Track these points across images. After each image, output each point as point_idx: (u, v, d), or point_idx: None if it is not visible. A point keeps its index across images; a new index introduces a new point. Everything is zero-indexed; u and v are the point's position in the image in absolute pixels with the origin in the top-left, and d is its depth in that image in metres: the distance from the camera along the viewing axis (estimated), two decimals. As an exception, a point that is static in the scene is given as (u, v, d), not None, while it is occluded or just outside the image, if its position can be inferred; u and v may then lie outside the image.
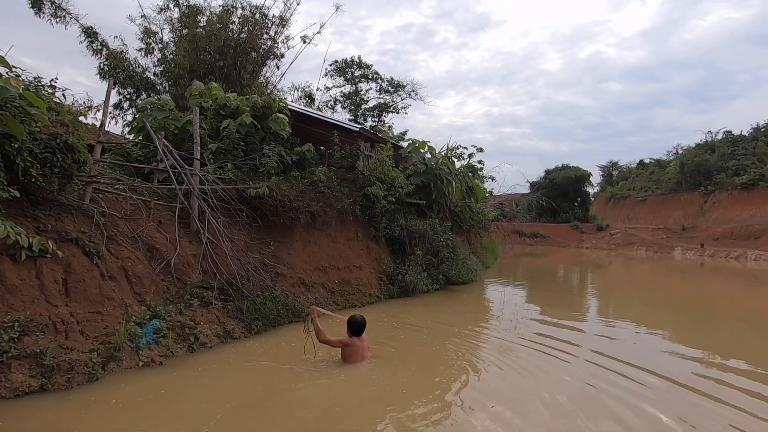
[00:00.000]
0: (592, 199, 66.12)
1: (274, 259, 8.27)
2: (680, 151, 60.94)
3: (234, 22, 18.45)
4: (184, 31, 17.68)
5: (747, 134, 54.03)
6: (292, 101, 22.13)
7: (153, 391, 4.50)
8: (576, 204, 60.06)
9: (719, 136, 56.81)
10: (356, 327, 5.61)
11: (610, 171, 75.63)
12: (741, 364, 6.36)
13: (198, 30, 17.65)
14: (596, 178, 71.30)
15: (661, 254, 39.21)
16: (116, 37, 17.48)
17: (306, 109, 14.62)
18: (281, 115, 10.13)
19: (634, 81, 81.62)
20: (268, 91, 19.96)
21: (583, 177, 60.48)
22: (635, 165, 71.94)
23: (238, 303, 6.84)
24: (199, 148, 8.12)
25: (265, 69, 20.53)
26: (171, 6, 17.92)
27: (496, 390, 4.90)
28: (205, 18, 18.00)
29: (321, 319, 5.74)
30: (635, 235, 47.50)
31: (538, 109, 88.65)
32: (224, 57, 17.10)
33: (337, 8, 21.34)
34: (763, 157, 46.70)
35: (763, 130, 51.83)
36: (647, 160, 69.38)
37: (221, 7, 18.18)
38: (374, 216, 11.10)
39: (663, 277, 22.08)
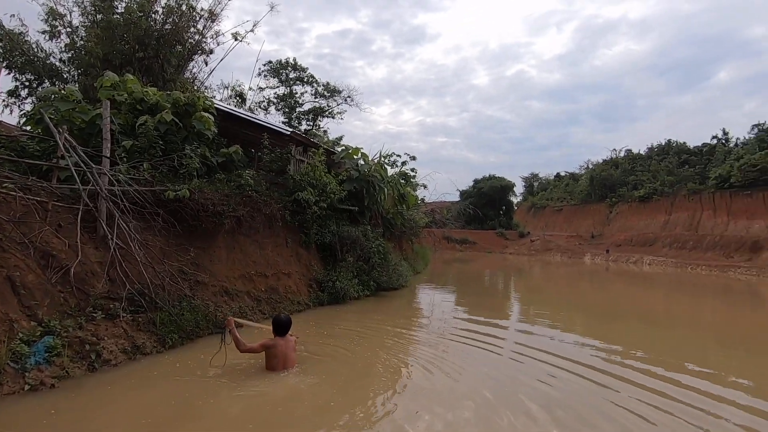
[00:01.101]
0: (516, 207, 70.65)
1: (195, 267, 7.75)
2: (590, 166, 67.31)
3: (157, 11, 17.19)
4: (98, 17, 16.14)
5: (644, 153, 61.11)
6: (221, 100, 21.09)
7: (39, 418, 3.97)
8: (501, 212, 63.77)
9: (622, 154, 63.66)
10: (280, 325, 5.42)
11: (531, 182, 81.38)
12: (639, 353, 7.10)
13: (114, 17, 16.21)
14: (519, 188, 76.32)
15: (573, 259, 42.85)
16: (13, 15, 15.52)
17: (234, 109, 14.00)
18: (206, 114, 9.58)
19: (552, 100, 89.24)
20: (194, 88, 18.87)
21: (507, 187, 64.43)
22: (553, 177, 78.11)
23: (150, 315, 6.30)
24: (109, 145, 7.41)
25: (191, 64, 19.37)
26: (82, -13, 16.30)
27: (427, 392, 4.99)
28: (123, 4, 16.59)
29: (242, 330, 5.47)
30: (552, 241, 51.50)
31: (469, 122, 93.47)
32: (145, 48, 15.85)
33: (272, 8, 20.79)
34: (655, 173, 53.05)
35: (656, 150, 58.90)
36: (563, 173, 75.64)
37: (143, -6, 16.80)
38: (305, 222, 10.87)
39: (575, 280, 24.12)
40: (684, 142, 55.73)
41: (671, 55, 79.47)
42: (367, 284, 11.97)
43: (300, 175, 11.00)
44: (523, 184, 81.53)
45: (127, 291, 6.24)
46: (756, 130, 44.52)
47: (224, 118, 11.39)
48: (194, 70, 19.67)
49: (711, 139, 51.55)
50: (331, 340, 7.28)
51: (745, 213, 37.81)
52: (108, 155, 7.32)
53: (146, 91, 9.66)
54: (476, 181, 66.68)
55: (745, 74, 72.56)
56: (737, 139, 48.30)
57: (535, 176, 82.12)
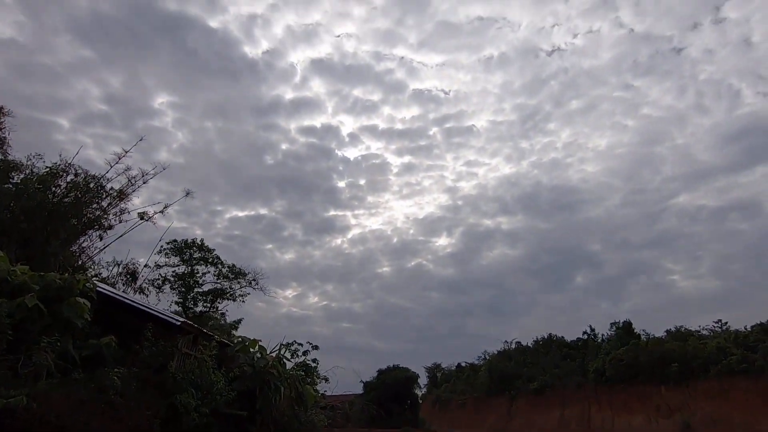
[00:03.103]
0: (421, 401, 67.44)
1: None
2: (487, 357, 69.73)
3: (59, 185, 16.67)
4: (-14, 185, 15.11)
5: (531, 345, 65.87)
6: (107, 278, 19.26)
7: None
8: (406, 407, 60.07)
9: (513, 346, 67.82)
10: None
11: (435, 373, 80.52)
12: None
13: (6, 185, 15.30)
14: (423, 379, 74.52)
15: (482, 463, 39.79)
16: None
17: (117, 293, 12.72)
18: (81, 300, 8.45)
19: (449, 292, 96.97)
20: (80, 263, 17.21)
21: (412, 379, 62.54)
22: (455, 368, 78.59)
23: None
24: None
25: (83, 238, 18.11)
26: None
27: None
28: (23, 176, 15.94)
29: None
30: (459, 441, 48.20)
31: (373, 308, 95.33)
32: (31, 219, 14.66)
33: (187, 193, 21.46)
34: (544, 367, 56.35)
35: (540, 343, 64.02)
36: (464, 364, 76.75)
37: (48, 169, 16.41)
38: (178, 434, 8.96)
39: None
40: (562, 336, 61.78)
41: (539, 261, 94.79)
42: None
43: (183, 373, 9.56)
44: (427, 375, 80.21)
45: None
46: (614, 327, 51.55)
47: (105, 302, 10.14)
48: (84, 244, 18.31)
49: (583, 335, 58.05)
50: None
51: (624, 407, 40.29)
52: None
53: (14, 270, 8.48)
54: (380, 372, 64.06)
55: (595, 279, 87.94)
56: (602, 335, 55.07)
57: (438, 366, 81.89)
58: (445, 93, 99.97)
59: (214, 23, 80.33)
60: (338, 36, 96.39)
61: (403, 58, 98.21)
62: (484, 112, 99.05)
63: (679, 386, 34.43)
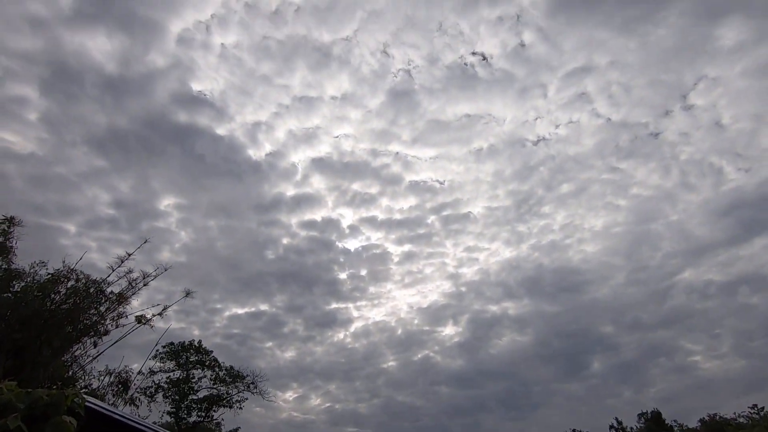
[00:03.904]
0: None
1: None
2: (509, 460, 63.00)
3: (59, 292, 16.58)
4: (-15, 295, 15.03)
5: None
6: (98, 388, 18.26)
7: None
8: None
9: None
10: None
11: (451, 482, 72.10)
12: None
13: (6, 295, 15.21)
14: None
15: None
16: None
17: (107, 407, 11.90)
18: (67, 420, 7.85)
19: (459, 386, 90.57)
20: (71, 373, 16.43)
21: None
22: (473, 475, 70.54)
23: None
24: None
25: (77, 346, 17.48)
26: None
27: None
28: (23, 284, 15.93)
29: None
30: None
31: (380, 408, 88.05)
32: (26, 329, 14.34)
33: (188, 294, 21.21)
34: (574, 468, 50.68)
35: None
36: (483, 470, 69.12)
37: (50, 275, 16.47)
38: None
39: None
40: (588, 431, 56.57)
41: (551, 346, 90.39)
42: None
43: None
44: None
45: None
46: (642, 419, 47.45)
47: (93, 418, 9.46)
48: (78, 352, 17.61)
49: (610, 429, 53.20)
50: None
51: None
52: None
53: (0, 388, 8.06)
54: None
55: (613, 364, 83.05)
56: (630, 428, 50.44)
57: (454, 474, 73.63)
58: (440, 183, 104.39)
59: (221, 131, 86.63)
60: (337, 137, 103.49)
61: (398, 153, 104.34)
62: (479, 199, 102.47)
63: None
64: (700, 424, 40.63)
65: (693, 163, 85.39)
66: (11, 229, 16.42)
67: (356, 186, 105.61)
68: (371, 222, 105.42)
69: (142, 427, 10.16)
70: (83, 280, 17.24)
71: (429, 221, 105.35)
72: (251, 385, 26.36)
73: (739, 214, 77.08)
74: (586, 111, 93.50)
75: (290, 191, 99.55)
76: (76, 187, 66.44)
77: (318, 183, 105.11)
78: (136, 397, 20.90)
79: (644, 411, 48.45)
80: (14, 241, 16.25)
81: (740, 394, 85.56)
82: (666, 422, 42.84)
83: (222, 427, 26.69)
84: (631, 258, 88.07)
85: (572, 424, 61.84)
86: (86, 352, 18.11)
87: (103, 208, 70.44)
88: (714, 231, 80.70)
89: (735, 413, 39.71)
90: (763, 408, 37.24)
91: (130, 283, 18.31)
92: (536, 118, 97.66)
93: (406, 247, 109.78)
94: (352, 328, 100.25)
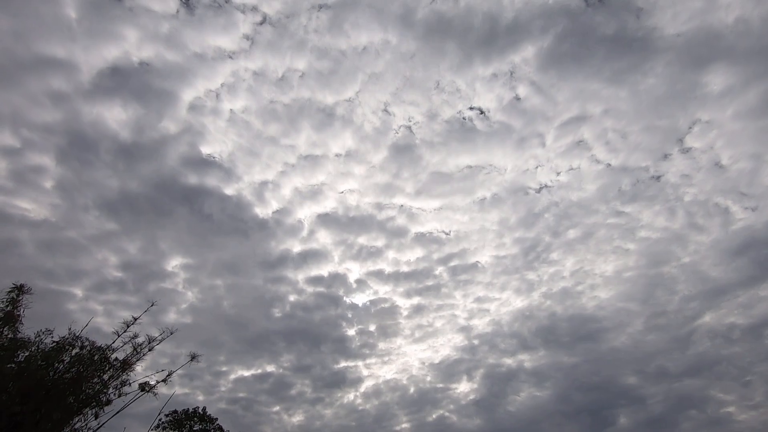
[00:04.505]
0: None
1: None
2: None
3: (63, 360, 16.26)
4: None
5: None
6: (96, 464, 17.29)
7: None
8: None
9: None
10: None
11: None
12: None
13: (9, 365, 14.93)
14: None
15: None
16: None
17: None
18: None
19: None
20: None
21: None
22: None
23: None
24: None
25: (77, 418, 16.84)
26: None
27: None
28: (27, 353, 15.67)
29: None
30: None
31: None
32: (26, 401, 13.93)
33: (193, 358, 20.67)
34: None
35: None
36: None
37: (54, 344, 16.23)
38: None
39: None
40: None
41: (573, 401, 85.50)
42: None
43: None
44: None
45: None
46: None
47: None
48: (78, 425, 16.91)
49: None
50: None
51: None
52: None
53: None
54: None
55: (640, 419, 77.89)
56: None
57: None
58: (446, 234, 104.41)
59: (229, 191, 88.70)
60: (342, 192, 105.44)
61: (402, 206, 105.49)
62: (486, 248, 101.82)
63: None
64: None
65: (698, 204, 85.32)
66: (20, 297, 16.45)
67: (362, 239, 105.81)
68: (378, 275, 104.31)
69: None
70: (88, 347, 16.96)
71: (437, 272, 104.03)
72: (257, 456, 24.91)
73: (753, 254, 75.58)
74: (585, 157, 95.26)
75: (297, 247, 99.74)
76: (86, 251, 67.14)
77: (324, 238, 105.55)
78: (136, 473, 19.70)
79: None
80: (22, 310, 16.22)
81: (783, 449, 79.24)
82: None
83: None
84: (648, 303, 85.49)
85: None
86: (87, 424, 17.40)
87: (111, 270, 70.64)
88: (729, 272, 78.88)
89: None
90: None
91: (135, 349, 17.96)
92: (537, 167, 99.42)
93: (415, 300, 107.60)
94: (362, 387, 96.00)
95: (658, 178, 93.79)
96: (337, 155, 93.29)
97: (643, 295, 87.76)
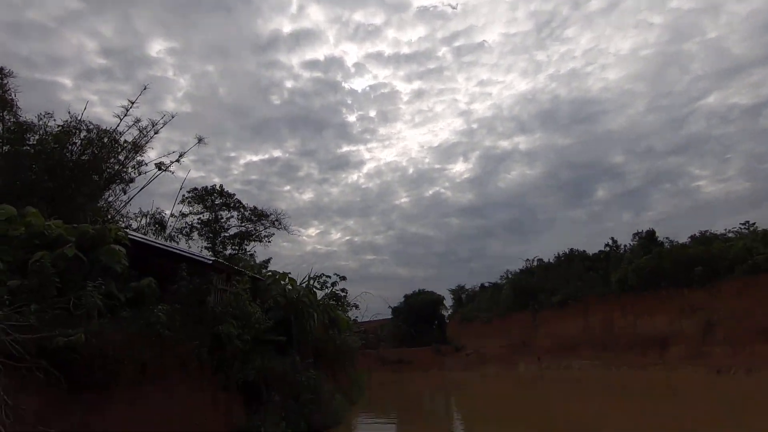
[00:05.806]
0: (447, 321, 71.13)
1: (82, 432, 6.36)
2: (510, 276, 71.73)
3: (75, 143, 16.85)
4: (4, 148, 15.38)
5: (553, 261, 67.10)
6: (138, 228, 20.06)
7: None
8: (434, 327, 63.68)
9: (535, 263, 69.21)
10: None
11: (459, 294, 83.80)
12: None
13: (24, 147, 15.54)
14: (449, 301, 77.90)
15: (509, 370, 42.72)
16: None
17: (149, 239, 13.29)
18: (116, 247, 8.90)
19: (468, 217, 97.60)
20: (109, 217, 17.88)
21: (437, 301, 65.55)
22: (478, 288, 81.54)
23: None
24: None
25: (108, 193, 18.64)
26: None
27: None
28: (37, 136, 16.10)
29: None
30: (486, 353, 51.51)
31: (395, 239, 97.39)
32: (54, 178, 15.05)
33: (199, 140, 21.40)
34: (567, 279, 57.79)
35: (562, 258, 65.07)
36: (487, 284, 79.40)
37: (60, 128, 16.48)
38: (224, 360, 9.77)
39: (515, 394, 23.63)
40: (584, 250, 62.44)
41: (559, 177, 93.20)
42: (296, 426, 10.58)
43: (222, 306, 10.22)
44: (452, 296, 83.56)
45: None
46: (637, 237, 51.62)
47: (138, 248, 10.65)
48: (110, 198, 18.88)
49: (605, 247, 58.51)
50: None
51: (647, 311, 41.64)
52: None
53: (49, 225, 8.89)
54: (407, 297, 67.16)
55: (616, 192, 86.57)
56: (624, 246, 55.37)
57: (462, 288, 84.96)
58: (453, 7, 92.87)
59: (200, -46, 74.82)
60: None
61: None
62: (495, 24, 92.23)
63: (703, 287, 34.88)
64: (690, 239, 44.15)
65: (749, -35, 72.59)
66: (5, 81, 15.80)
67: (358, 16, 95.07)
68: (377, 58, 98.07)
69: (184, 253, 11.52)
70: (94, 131, 17.35)
71: (440, 54, 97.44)
72: (276, 222, 28.71)
73: (789, 26, 68.96)
74: None
75: (287, 27, 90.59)
76: (58, 35, 61.57)
77: (316, 14, 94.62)
78: (174, 235, 23.08)
79: (639, 231, 52.39)
80: (13, 93, 15.82)
81: (738, 215, 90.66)
82: (659, 239, 46.58)
83: (255, 259, 29.96)
84: (656, 83, 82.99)
85: (571, 245, 67.43)
86: (118, 198, 19.41)
87: (93, 57, 66.36)
88: (755, 47, 73.38)
89: (726, 229, 42.66)
90: (754, 224, 39.76)
91: (140, 132, 18.43)
92: None
93: (416, 85, 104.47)
94: (365, 169, 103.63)
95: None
96: None
97: (654, 76, 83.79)
